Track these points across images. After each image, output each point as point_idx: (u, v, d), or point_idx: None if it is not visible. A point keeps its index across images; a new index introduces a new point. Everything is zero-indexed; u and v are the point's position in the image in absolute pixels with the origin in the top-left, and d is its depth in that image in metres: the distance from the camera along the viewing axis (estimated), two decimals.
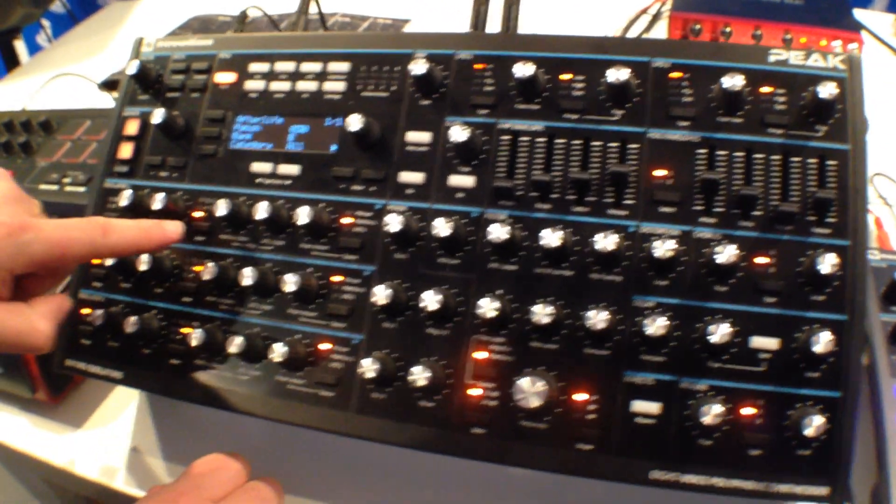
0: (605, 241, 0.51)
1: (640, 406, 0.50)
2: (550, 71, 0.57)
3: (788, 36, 1.01)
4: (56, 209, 0.86)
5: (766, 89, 0.54)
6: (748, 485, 0.48)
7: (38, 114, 1.01)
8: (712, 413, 0.47)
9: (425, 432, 0.53)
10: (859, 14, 1.08)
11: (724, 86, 0.52)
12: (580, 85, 0.56)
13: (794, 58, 0.54)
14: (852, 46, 1.06)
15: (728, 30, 1.02)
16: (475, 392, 0.52)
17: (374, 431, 0.55)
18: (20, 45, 1.52)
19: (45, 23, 1.81)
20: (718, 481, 0.48)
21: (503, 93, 0.58)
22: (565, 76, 0.57)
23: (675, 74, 0.55)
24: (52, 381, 0.73)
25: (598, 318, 0.49)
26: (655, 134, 0.54)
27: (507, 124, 0.57)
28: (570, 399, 0.50)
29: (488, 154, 0.57)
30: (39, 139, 0.97)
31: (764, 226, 0.52)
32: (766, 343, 0.50)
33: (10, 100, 1.24)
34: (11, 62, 1.45)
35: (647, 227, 0.53)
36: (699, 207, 0.53)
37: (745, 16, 1.03)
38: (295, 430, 0.57)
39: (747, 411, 0.49)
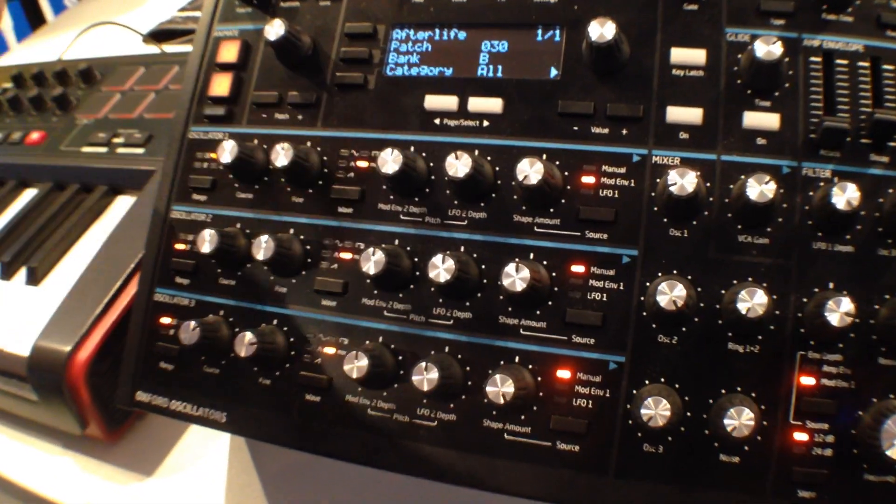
0: None
1: None
2: None
3: None
4: (106, 176, 0.73)
5: None
6: None
7: (77, 62, 0.83)
8: None
9: (729, 500, 0.39)
10: None
11: None
12: None
13: None
14: None
15: None
16: (801, 437, 0.39)
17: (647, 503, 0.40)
18: (45, 5, 1.32)
19: None
20: None
21: None
22: None
23: None
24: (108, 411, 0.61)
25: None
26: None
27: (815, 41, 0.43)
28: None
29: (794, 82, 0.43)
30: (79, 92, 0.82)
31: None
32: None
33: (37, 58, 1.04)
34: (36, 20, 1.26)
35: None
36: None
37: None
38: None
39: None
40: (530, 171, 0.41)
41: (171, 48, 0.99)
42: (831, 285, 0.40)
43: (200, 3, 1.08)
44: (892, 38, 0.42)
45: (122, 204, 0.72)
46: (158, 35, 1.03)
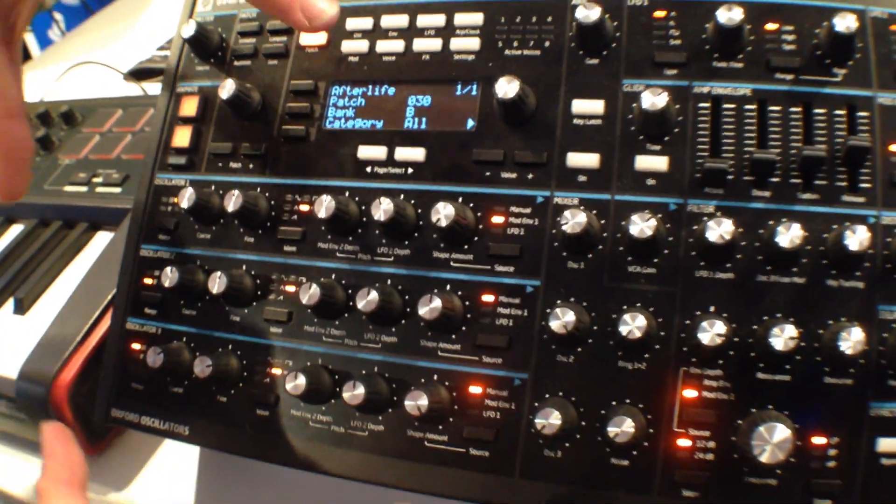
0: (853, 239, 0.41)
1: (886, 444, 0.40)
2: (751, 20, 0.46)
3: None
4: (86, 213, 0.76)
5: None
6: None
7: (58, 104, 0.87)
8: None
9: (619, 499, 0.43)
10: None
11: None
12: (790, 37, 0.46)
13: None
14: None
15: None
16: (685, 443, 0.42)
17: (547, 501, 0.44)
18: (31, 40, 1.37)
19: (58, 16, 1.66)
20: None
21: (695, 47, 0.47)
22: (771, 26, 0.46)
23: None
24: (89, 428, 0.63)
25: (851, 340, 0.39)
26: (886, 99, 0.44)
27: (704, 88, 0.46)
28: (809, 444, 0.41)
29: (683, 127, 0.46)
30: (61, 133, 0.85)
31: None
32: None
33: (25, 95, 1.08)
34: (23, 55, 1.30)
35: (888, 218, 0.42)
36: None
37: None
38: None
39: None
40: (442, 214, 0.45)
41: (150, 86, 1.05)
42: (712, 309, 0.43)
43: None
44: (780, 80, 0.45)
45: (102, 239, 0.75)
46: (138, 74, 1.07)
